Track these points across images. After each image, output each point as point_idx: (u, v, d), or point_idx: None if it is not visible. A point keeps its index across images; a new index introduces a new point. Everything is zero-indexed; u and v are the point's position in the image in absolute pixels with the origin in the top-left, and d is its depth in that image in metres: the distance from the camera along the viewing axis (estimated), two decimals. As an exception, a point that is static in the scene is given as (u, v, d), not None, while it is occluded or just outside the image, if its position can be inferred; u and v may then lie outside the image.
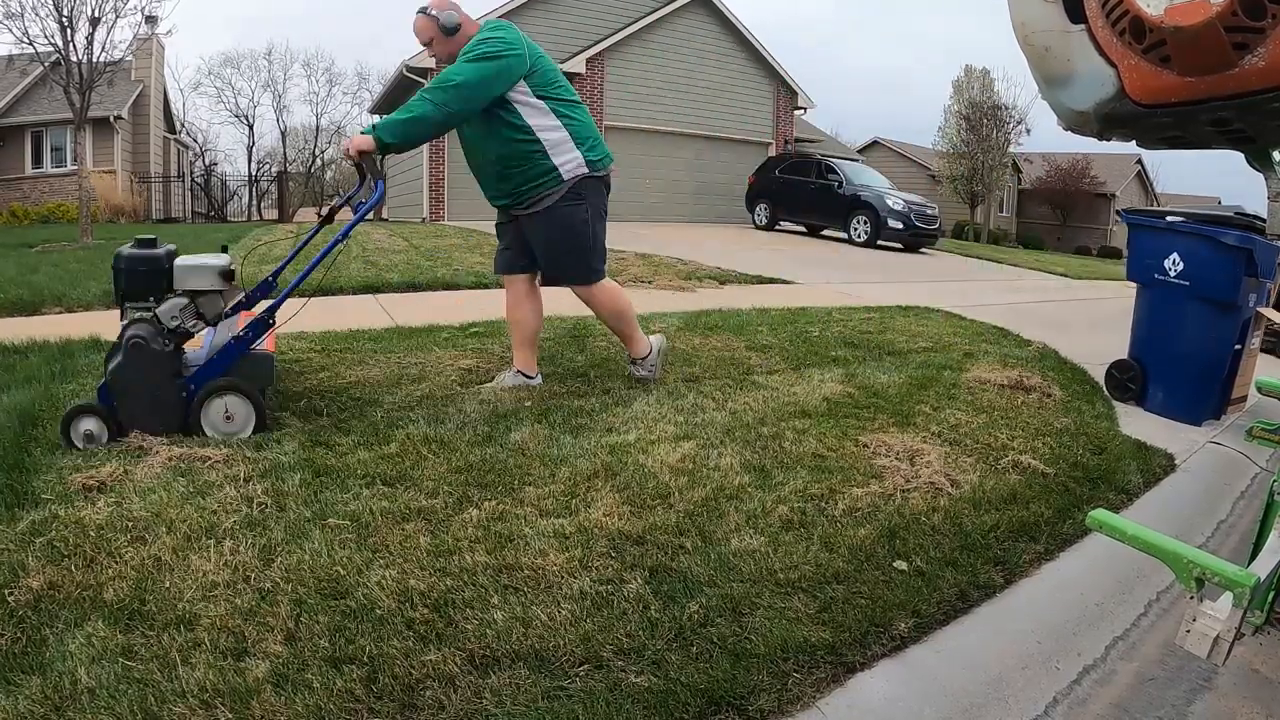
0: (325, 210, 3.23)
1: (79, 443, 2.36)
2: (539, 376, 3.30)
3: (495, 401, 2.99)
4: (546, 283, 3.25)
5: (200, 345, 2.73)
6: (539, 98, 2.93)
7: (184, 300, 2.45)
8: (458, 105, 2.79)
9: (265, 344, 2.61)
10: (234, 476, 2.13)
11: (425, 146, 14.68)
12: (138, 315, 2.45)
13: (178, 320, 2.43)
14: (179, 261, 2.48)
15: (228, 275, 2.50)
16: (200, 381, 2.45)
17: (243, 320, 2.62)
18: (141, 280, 2.45)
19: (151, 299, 2.46)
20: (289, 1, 63.37)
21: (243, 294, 2.74)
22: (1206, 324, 3.70)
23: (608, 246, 3.23)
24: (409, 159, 16.85)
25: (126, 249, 2.50)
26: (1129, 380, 3.92)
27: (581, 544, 1.88)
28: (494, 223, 3.32)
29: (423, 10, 2.98)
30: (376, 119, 3.62)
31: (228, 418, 2.45)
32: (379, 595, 1.61)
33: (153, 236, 2.57)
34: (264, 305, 2.67)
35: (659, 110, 16.36)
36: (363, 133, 2.78)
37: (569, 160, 2.97)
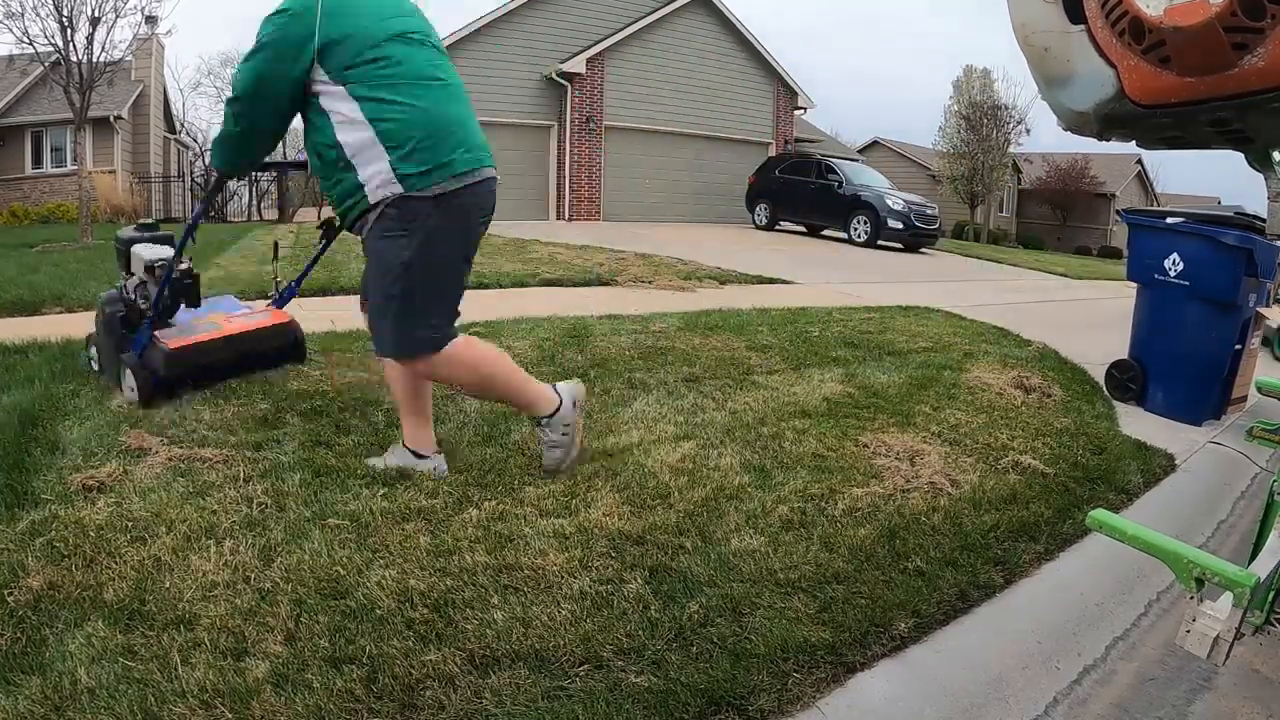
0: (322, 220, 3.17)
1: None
2: (433, 455, 2.30)
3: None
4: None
5: None
6: (339, 83, 1.99)
7: (137, 280, 2.82)
8: (248, 120, 2.11)
9: (206, 335, 2.86)
10: (234, 476, 2.13)
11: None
12: (117, 285, 2.89)
13: (132, 296, 2.81)
14: (134, 249, 2.85)
15: (150, 269, 2.77)
16: (134, 349, 2.76)
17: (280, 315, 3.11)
18: (118, 257, 2.93)
19: (123, 274, 2.89)
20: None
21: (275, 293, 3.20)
22: (1206, 324, 3.70)
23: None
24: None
25: (121, 229, 2.97)
26: (1129, 380, 3.92)
27: (581, 544, 1.88)
28: None
29: None
30: None
31: (131, 389, 2.70)
32: (379, 595, 1.61)
33: (153, 221, 2.98)
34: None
35: (659, 110, 16.35)
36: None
37: (374, 173, 1.99)
